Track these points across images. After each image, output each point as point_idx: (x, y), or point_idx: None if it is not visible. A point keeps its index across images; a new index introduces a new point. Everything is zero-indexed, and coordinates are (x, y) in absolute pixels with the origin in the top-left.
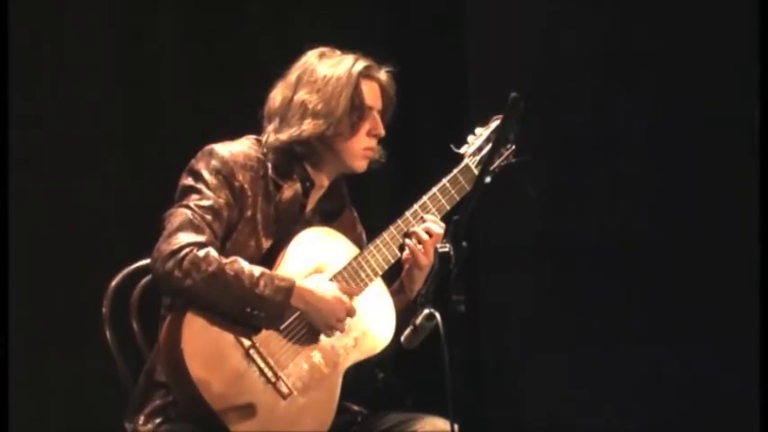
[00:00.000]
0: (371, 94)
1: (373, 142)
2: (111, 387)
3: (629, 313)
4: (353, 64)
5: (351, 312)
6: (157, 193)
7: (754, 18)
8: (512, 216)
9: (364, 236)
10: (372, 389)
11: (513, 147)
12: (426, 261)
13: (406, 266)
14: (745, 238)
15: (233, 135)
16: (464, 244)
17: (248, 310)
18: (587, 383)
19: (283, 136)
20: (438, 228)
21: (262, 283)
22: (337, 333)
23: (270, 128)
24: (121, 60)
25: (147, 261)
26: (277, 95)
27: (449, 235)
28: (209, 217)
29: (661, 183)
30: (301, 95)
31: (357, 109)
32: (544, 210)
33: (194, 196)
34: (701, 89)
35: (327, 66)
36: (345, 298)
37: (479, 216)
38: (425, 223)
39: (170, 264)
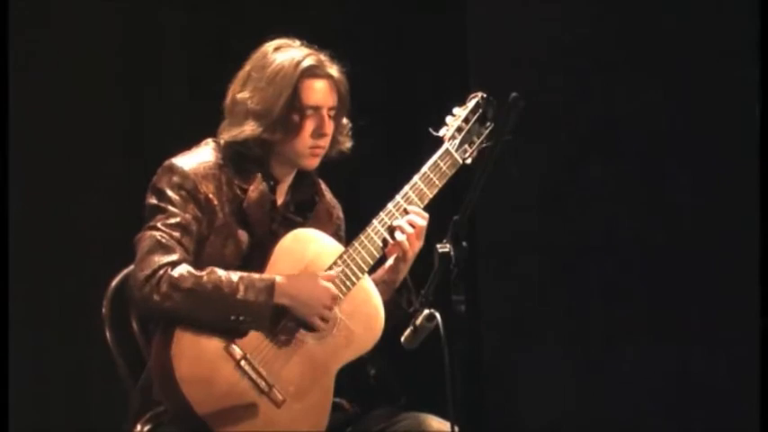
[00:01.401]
0: (318, 93)
1: (321, 141)
2: (111, 387)
3: (628, 313)
4: (299, 62)
5: (336, 297)
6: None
7: (754, 18)
8: (511, 216)
9: (341, 216)
10: (365, 386)
11: (492, 125)
12: (411, 253)
13: (391, 259)
14: (745, 238)
15: None
16: (464, 244)
17: (233, 317)
18: (587, 383)
19: (227, 136)
20: (420, 219)
21: (242, 287)
22: (326, 330)
23: (221, 126)
24: (122, 59)
25: None
26: (230, 90)
27: (449, 235)
28: (177, 234)
29: (661, 182)
30: (245, 94)
31: (297, 110)
32: (543, 209)
33: (160, 216)
34: (701, 89)
35: (276, 62)
36: (329, 284)
37: (479, 216)
38: (408, 215)
39: (147, 289)
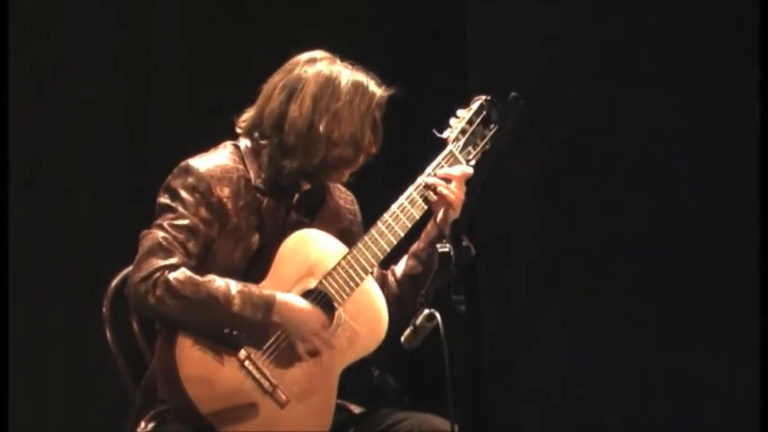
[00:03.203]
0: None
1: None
2: (111, 387)
3: (628, 313)
4: (369, 88)
5: (325, 326)
6: (158, 192)
7: (754, 18)
8: (511, 216)
9: (354, 209)
10: (369, 387)
11: (496, 127)
12: (458, 202)
13: (439, 211)
14: (745, 238)
15: (232, 136)
16: (464, 243)
17: (226, 330)
18: (587, 383)
19: (306, 165)
20: (456, 170)
21: (238, 300)
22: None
23: (276, 147)
24: (122, 59)
25: None
26: (290, 112)
27: (449, 235)
28: (182, 236)
29: (661, 183)
30: (326, 124)
31: (371, 133)
32: (543, 210)
33: (169, 215)
34: (701, 89)
35: (345, 88)
36: (321, 313)
37: (479, 216)
38: (442, 169)
39: (142, 289)
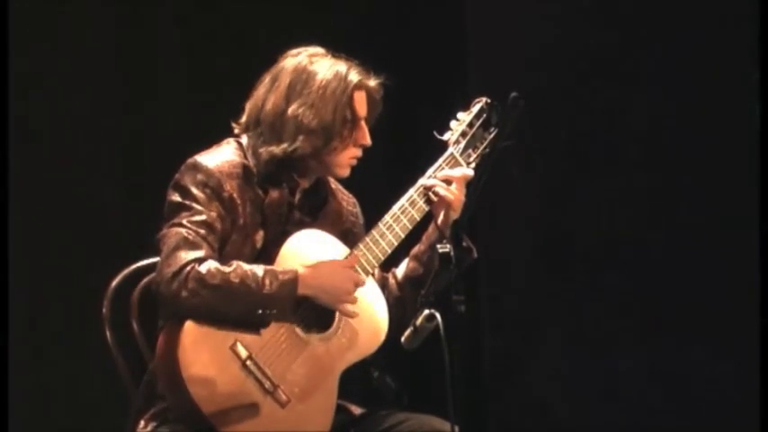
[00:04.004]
0: (363, 105)
1: (359, 151)
2: (111, 387)
3: (629, 313)
4: (347, 75)
5: (359, 282)
6: (159, 192)
7: (755, 19)
8: (511, 216)
9: (356, 211)
10: (368, 387)
11: (496, 130)
12: (457, 201)
13: (440, 212)
14: (745, 238)
15: (231, 136)
16: (465, 244)
17: (260, 311)
18: (587, 383)
19: (276, 150)
20: (457, 171)
21: (267, 281)
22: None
23: (258, 137)
24: (121, 59)
25: (147, 261)
26: (268, 101)
27: (449, 235)
28: (203, 231)
29: (661, 183)
30: (295, 109)
31: (350, 122)
32: (543, 209)
33: (185, 213)
34: (700, 89)
35: (321, 75)
36: (350, 270)
37: (479, 216)
38: (442, 170)
39: (175, 285)
